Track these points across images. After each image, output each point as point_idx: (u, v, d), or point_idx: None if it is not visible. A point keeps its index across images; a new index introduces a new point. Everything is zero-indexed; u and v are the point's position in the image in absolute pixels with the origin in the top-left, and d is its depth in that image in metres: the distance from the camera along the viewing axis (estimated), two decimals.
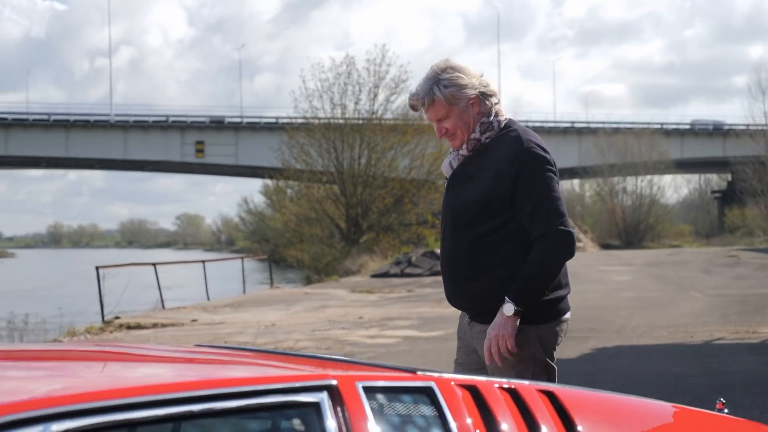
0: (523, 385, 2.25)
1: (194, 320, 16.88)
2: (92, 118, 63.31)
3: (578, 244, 56.37)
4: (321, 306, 19.34)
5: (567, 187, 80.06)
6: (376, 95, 41.74)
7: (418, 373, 2.05)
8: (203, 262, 24.06)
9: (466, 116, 3.65)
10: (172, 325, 16.35)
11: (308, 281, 39.11)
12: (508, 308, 3.46)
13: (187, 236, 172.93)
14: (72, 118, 63.19)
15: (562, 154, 70.02)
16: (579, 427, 2.18)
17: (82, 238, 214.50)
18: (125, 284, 19.21)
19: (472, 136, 3.67)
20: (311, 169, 41.52)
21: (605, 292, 20.27)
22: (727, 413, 2.88)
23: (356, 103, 41.62)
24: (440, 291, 22.18)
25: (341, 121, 41.18)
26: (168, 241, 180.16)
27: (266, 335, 14.22)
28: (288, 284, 46.86)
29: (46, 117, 63.07)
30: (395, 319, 15.86)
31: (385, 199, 41.73)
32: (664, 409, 2.63)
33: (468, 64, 3.71)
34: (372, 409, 1.85)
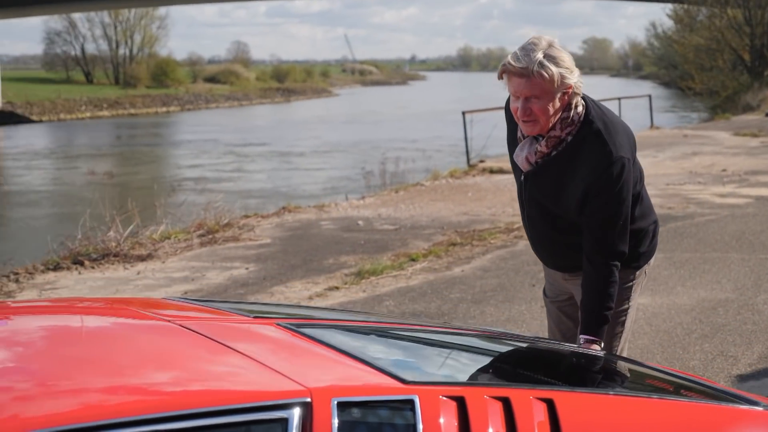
0: (519, 391, 2.23)
1: None
2: None
3: None
4: (692, 153, 18.74)
5: None
6: None
7: (407, 381, 2.09)
8: None
9: (555, 105, 3.36)
10: None
11: (713, 112, 37.89)
12: (596, 344, 3.46)
13: (593, 60, 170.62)
14: None
15: None
16: None
17: (491, 62, 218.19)
18: (493, 126, 19.63)
19: (552, 133, 3.43)
20: None
21: None
22: None
23: None
24: None
25: None
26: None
27: None
28: (693, 113, 45.54)
29: None
30: (760, 174, 15.09)
31: None
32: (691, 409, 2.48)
33: None
34: (342, 423, 1.95)
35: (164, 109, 65.49)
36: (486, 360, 2.72)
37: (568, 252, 3.68)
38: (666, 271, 8.55)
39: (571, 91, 3.35)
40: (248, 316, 2.55)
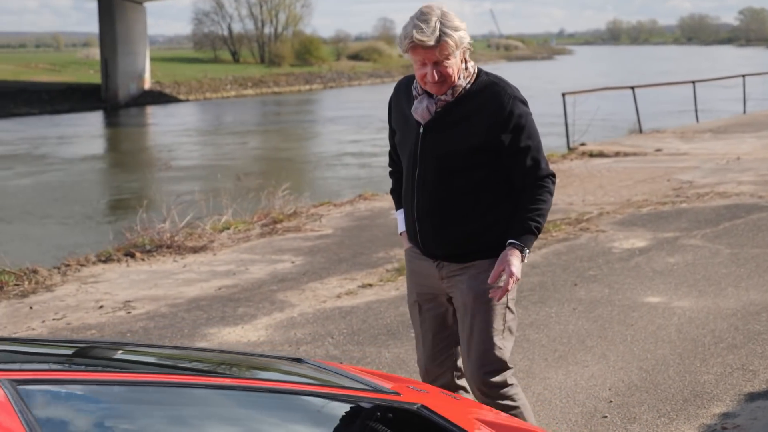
0: None
1: (658, 150, 16.39)
2: None
3: None
4: None
5: None
6: None
7: None
8: (693, 82, 22.83)
9: (458, 63, 3.63)
10: (634, 154, 16.04)
11: None
12: (520, 251, 3.64)
13: (750, 32, 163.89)
14: None
15: None
16: None
17: (641, 35, 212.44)
18: (595, 108, 19.07)
19: (458, 83, 3.66)
20: None
21: None
22: None
23: None
24: None
25: None
26: (729, 37, 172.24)
27: (717, 173, 13.48)
28: None
29: None
30: None
31: None
32: None
33: None
34: None
35: (307, 87, 66.27)
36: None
37: (461, 218, 3.71)
38: (725, 269, 8.05)
39: (467, 47, 3.65)
40: None
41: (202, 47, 79.02)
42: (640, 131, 20.00)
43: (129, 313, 7.22)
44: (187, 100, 56.30)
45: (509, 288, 3.61)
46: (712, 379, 5.56)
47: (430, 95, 3.70)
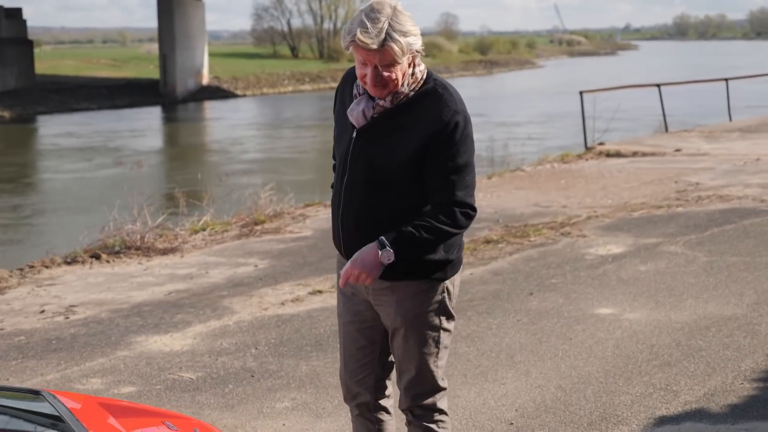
0: None
1: (678, 150, 15.91)
2: None
3: None
4: None
5: None
6: None
7: None
8: (726, 80, 22.11)
9: (404, 68, 3.33)
10: (652, 154, 15.60)
11: None
12: (388, 254, 3.30)
13: None
14: None
15: None
16: None
17: (709, 29, 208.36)
18: (616, 107, 18.64)
19: (400, 89, 3.37)
20: None
21: None
22: None
23: None
24: None
25: None
26: None
27: (729, 175, 13.03)
28: None
29: None
30: None
31: None
32: None
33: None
34: None
35: None
36: None
37: (387, 232, 3.37)
38: (694, 278, 7.71)
39: (417, 52, 3.36)
40: None
41: (261, 43, 79.38)
42: (666, 130, 19.48)
43: (67, 318, 7.11)
44: (245, 96, 56.51)
45: (349, 278, 3.32)
46: (629, 400, 5.27)
47: (370, 97, 3.42)
